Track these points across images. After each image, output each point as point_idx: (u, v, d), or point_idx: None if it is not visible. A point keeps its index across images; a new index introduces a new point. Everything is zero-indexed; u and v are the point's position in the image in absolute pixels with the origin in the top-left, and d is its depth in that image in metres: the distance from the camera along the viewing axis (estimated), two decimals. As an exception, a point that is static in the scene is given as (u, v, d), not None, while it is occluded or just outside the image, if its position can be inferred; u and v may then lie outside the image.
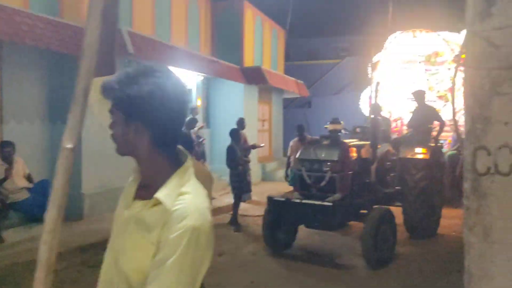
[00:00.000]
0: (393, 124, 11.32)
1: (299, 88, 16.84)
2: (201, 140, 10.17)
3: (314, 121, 15.07)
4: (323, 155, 6.39)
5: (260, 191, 9.96)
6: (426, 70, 11.44)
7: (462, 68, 2.07)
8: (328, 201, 5.98)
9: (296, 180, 6.76)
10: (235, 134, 8.55)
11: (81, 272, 5.65)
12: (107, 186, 8.23)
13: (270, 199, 6.47)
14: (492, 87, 1.75)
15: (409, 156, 7.52)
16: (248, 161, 8.82)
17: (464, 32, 1.94)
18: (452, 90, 2.10)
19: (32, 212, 6.73)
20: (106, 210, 7.68)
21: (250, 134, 11.37)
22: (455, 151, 10.06)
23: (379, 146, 7.10)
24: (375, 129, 6.79)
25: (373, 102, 7.00)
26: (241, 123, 9.30)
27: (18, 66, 7.52)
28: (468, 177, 1.76)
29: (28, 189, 6.95)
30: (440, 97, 11.22)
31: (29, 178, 7.09)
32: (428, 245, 7.16)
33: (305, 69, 20.06)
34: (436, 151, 7.79)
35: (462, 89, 2.00)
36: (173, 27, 11.16)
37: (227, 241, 7.33)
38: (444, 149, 10.23)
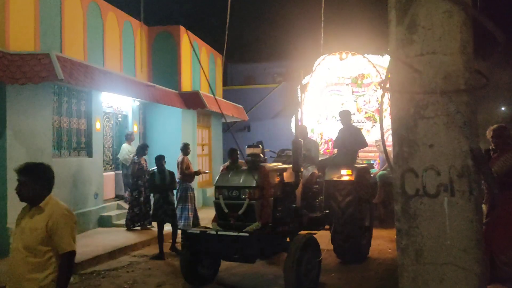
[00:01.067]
0: (325, 146, 11.49)
1: (238, 112, 16.93)
2: (151, 170, 9.79)
3: (254, 145, 15.07)
4: (241, 181, 5.88)
5: (201, 217, 9.74)
6: (353, 92, 11.74)
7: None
8: (246, 231, 5.47)
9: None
10: (156, 160, 8.18)
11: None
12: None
13: (184, 233, 5.93)
14: (417, 111, 1.82)
15: (334, 178, 7.25)
16: (175, 188, 8.43)
17: (387, 55, 2.02)
18: (379, 111, 2.14)
19: None
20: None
21: (191, 159, 11.18)
22: (385, 171, 10.21)
23: (302, 169, 6.62)
24: (297, 152, 6.16)
25: (298, 124, 6.82)
26: (185, 148, 9.04)
27: None
28: (398, 200, 1.80)
29: None
30: (368, 118, 11.53)
31: None
32: (359, 269, 6.86)
33: (243, 94, 20.28)
34: (362, 172, 7.62)
35: (389, 109, 2.07)
36: (107, 52, 10.86)
37: (167, 271, 7.04)
38: (375, 169, 10.50)
